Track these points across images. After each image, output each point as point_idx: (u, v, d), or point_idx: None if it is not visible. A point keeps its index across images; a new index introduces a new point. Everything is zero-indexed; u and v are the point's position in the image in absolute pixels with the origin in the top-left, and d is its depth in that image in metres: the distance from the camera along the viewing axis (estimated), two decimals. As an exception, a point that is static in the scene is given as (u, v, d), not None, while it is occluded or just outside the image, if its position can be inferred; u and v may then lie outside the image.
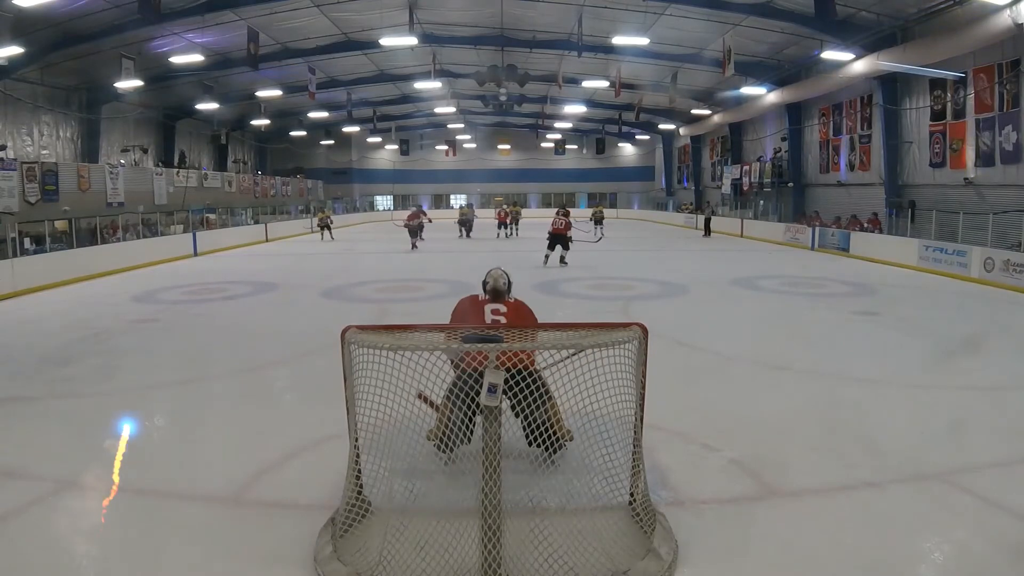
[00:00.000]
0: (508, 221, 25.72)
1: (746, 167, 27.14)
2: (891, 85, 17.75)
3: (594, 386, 3.12)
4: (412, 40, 19.07)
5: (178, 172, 24.52)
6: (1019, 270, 11.80)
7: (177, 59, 18.45)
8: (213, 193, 26.25)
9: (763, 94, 22.88)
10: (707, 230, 25.55)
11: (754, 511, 3.65)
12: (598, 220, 26.36)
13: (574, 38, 19.98)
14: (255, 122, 30.99)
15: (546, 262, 15.26)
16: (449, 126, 39.18)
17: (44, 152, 19.91)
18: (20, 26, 14.63)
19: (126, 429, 5.25)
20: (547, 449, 3.65)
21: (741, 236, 24.87)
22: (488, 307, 4.28)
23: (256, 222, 26.06)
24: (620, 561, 3.03)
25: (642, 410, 3.36)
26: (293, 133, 35.52)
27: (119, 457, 4.56)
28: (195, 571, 3.12)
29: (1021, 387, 6.06)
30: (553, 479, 3.74)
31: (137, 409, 5.68)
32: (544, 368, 3.45)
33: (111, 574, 3.17)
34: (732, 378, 6.41)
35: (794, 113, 23.24)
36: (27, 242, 13.47)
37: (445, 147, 42.25)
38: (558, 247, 15.29)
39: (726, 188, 28.89)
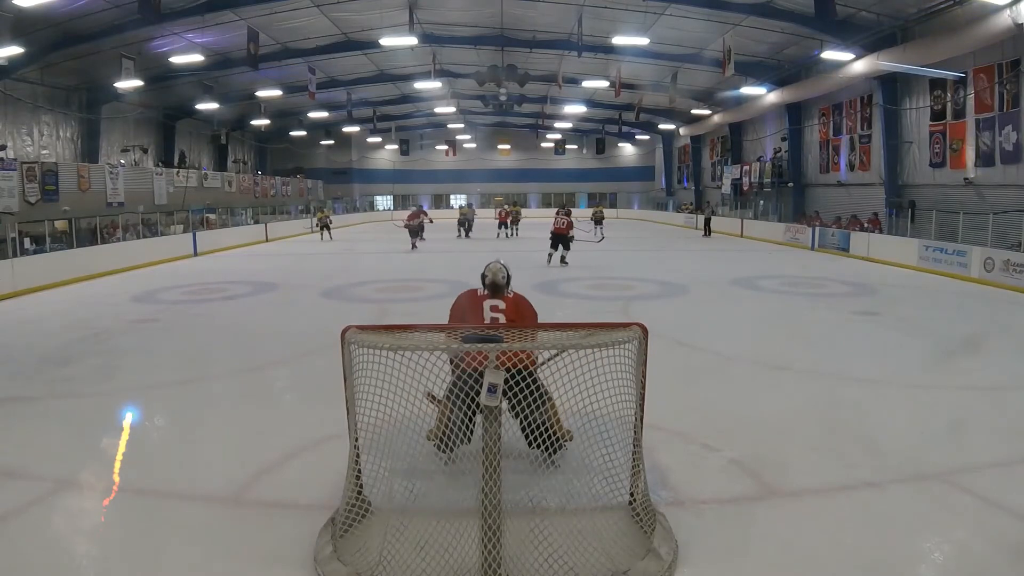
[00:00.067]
0: (508, 221, 25.72)
1: (746, 167, 27.14)
2: (891, 85, 17.75)
3: (594, 386, 3.11)
4: (412, 40, 19.07)
5: (178, 172, 24.52)
6: (1019, 270, 11.80)
7: (177, 59, 18.45)
8: (213, 193, 26.25)
9: (763, 94, 22.88)
10: (707, 230, 25.55)
11: (754, 511, 3.65)
12: (598, 220, 26.37)
13: (574, 38, 19.98)
14: (255, 122, 30.99)
15: (549, 261, 15.30)
16: (449, 126, 39.18)
17: (44, 152, 19.91)
18: (20, 26, 14.63)
19: (126, 429, 5.25)
20: (546, 450, 3.64)
21: (741, 236, 24.87)
22: (487, 303, 4.25)
23: (256, 222, 26.06)
24: (620, 561, 3.03)
25: (642, 410, 3.36)
26: (293, 133, 35.52)
27: (119, 457, 4.56)
28: (195, 571, 3.12)
29: (1021, 387, 6.06)
30: (553, 479, 3.74)
31: (137, 409, 5.69)
32: (537, 367, 3.45)
33: (111, 574, 3.17)
34: (732, 378, 6.41)
35: (794, 113, 23.24)
36: (27, 242, 13.47)
37: (445, 147, 42.26)
38: (560, 246, 15.33)
39: (726, 188, 28.89)
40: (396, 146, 41.83)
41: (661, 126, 34.05)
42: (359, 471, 3.35)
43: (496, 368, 2.94)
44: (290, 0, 17.24)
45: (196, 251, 19.00)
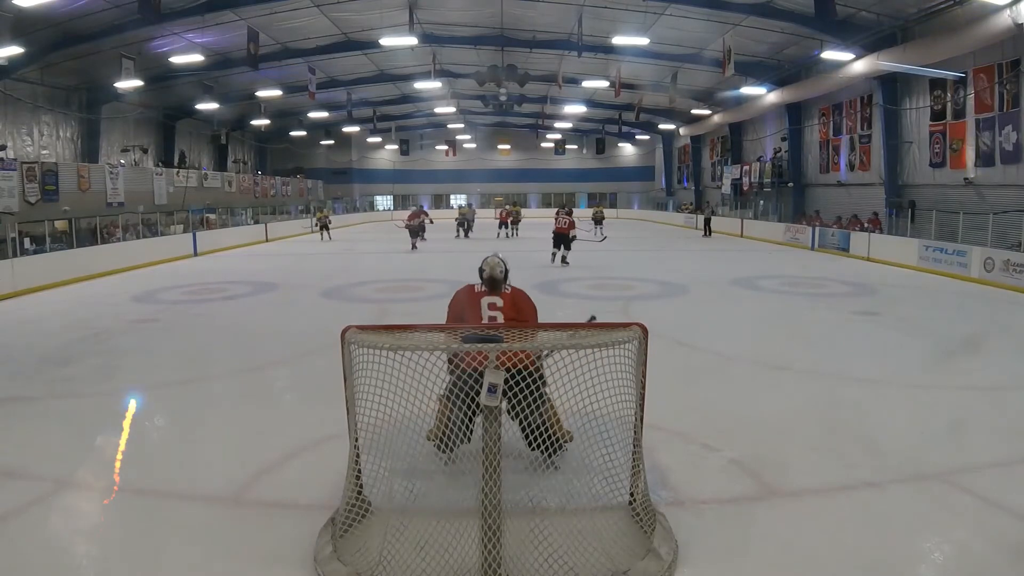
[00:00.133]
0: (509, 221, 25.75)
1: (746, 167, 27.15)
2: (891, 85, 17.75)
3: (594, 386, 3.11)
4: (412, 40, 19.07)
5: (178, 172, 24.52)
6: (1019, 270, 11.80)
7: (177, 59, 18.45)
8: (213, 193, 26.25)
9: (763, 94, 22.88)
10: (707, 230, 25.56)
11: (754, 511, 3.65)
12: (598, 220, 26.41)
13: (574, 38, 19.98)
14: (255, 122, 30.99)
15: (553, 260, 15.32)
16: (449, 126, 39.18)
17: (44, 152, 19.91)
18: (20, 26, 14.63)
19: (126, 429, 5.24)
20: (545, 451, 3.63)
21: (741, 236, 24.87)
22: (484, 301, 4.20)
23: (256, 222, 26.07)
24: (620, 561, 3.03)
25: (642, 410, 3.36)
26: (293, 133, 35.52)
27: (119, 457, 4.56)
28: (195, 571, 3.12)
29: (1021, 387, 6.06)
30: (553, 479, 3.74)
31: (137, 409, 5.68)
32: (543, 359, 3.44)
33: (111, 574, 3.17)
34: (732, 378, 6.41)
35: (794, 113, 23.25)
36: (27, 242, 13.47)
37: (445, 147, 42.26)
38: (562, 246, 15.35)
39: (726, 188, 28.90)
40: (396, 146, 41.83)
41: (661, 126, 34.05)
42: (359, 471, 3.35)
43: (496, 368, 2.94)
44: (290, 0, 17.24)
45: (196, 251, 19.00)
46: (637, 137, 40.97)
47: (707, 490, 3.87)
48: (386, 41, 18.88)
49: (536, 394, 3.17)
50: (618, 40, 18.52)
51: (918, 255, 14.81)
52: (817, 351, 7.47)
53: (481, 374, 2.98)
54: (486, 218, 31.95)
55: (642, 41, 18.03)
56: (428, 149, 43.18)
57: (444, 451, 3.83)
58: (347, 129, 36.25)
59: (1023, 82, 13.78)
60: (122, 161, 22.95)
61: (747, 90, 22.83)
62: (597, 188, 43.75)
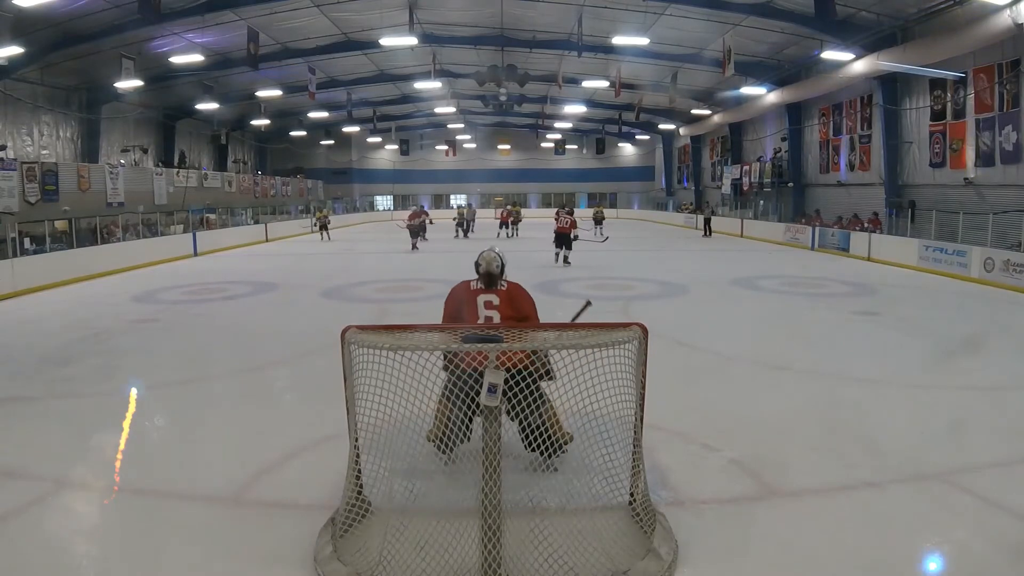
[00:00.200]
0: (510, 221, 25.79)
1: (746, 167, 27.14)
2: (891, 85, 17.75)
3: (594, 386, 3.11)
4: (412, 40, 19.07)
5: (178, 172, 24.52)
6: (1019, 270, 11.80)
7: (177, 59, 18.45)
8: (213, 193, 26.25)
9: (763, 94, 22.88)
10: (707, 230, 25.56)
11: (754, 511, 3.65)
12: (598, 220, 26.42)
13: (574, 38, 19.98)
14: (255, 122, 30.99)
15: (556, 260, 15.32)
16: (449, 126, 39.18)
17: (44, 152, 19.91)
18: (20, 26, 14.62)
19: (126, 429, 5.24)
20: (544, 452, 3.62)
21: (741, 236, 24.87)
22: (481, 299, 4.14)
23: (256, 222, 26.07)
24: (620, 561, 3.03)
25: (642, 410, 3.36)
26: (293, 133, 35.51)
27: (119, 457, 4.56)
28: (195, 571, 3.12)
29: (1021, 387, 6.06)
30: (553, 479, 3.74)
31: (137, 409, 5.68)
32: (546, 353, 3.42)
33: (111, 574, 3.17)
34: (732, 378, 6.41)
35: (794, 113, 23.24)
36: (27, 242, 13.47)
37: (445, 147, 42.25)
38: (563, 246, 15.37)
39: (726, 188, 28.90)
40: (396, 146, 41.82)
41: (661, 126, 34.05)
42: (359, 471, 3.35)
43: (496, 368, 2.94)
44: (290, 0, 17.24)
45: (196, 251, 19.00)
46: (637, 137, 40.97)
47: (707, 490, 3.86)
48: (386, 41, 18.88)
49: (536, 395, 3.17)
50: (618, 40, 18.52)
51: (918, 255, 14.81)
52: (817, 351, 7.47)
53: (480, 373, 2.98)
54: (486, 218, 31.99)
55: (642, 41, 18.03)
56: (428, 149, 43.17)
57: (444, 451, 3.83)
58: (347, 129, 36.24)
59: (1023, 82, 13.78)
60: (122, 161, 22.94)
61: (747, 90, 22.83)
62: (597, 188, 43.75)
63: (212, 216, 23.37)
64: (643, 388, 3.35)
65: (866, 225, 18.43)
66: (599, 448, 3.33)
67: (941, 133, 16.41)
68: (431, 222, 22.95)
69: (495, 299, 4.14)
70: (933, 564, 3.26)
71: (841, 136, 21.08)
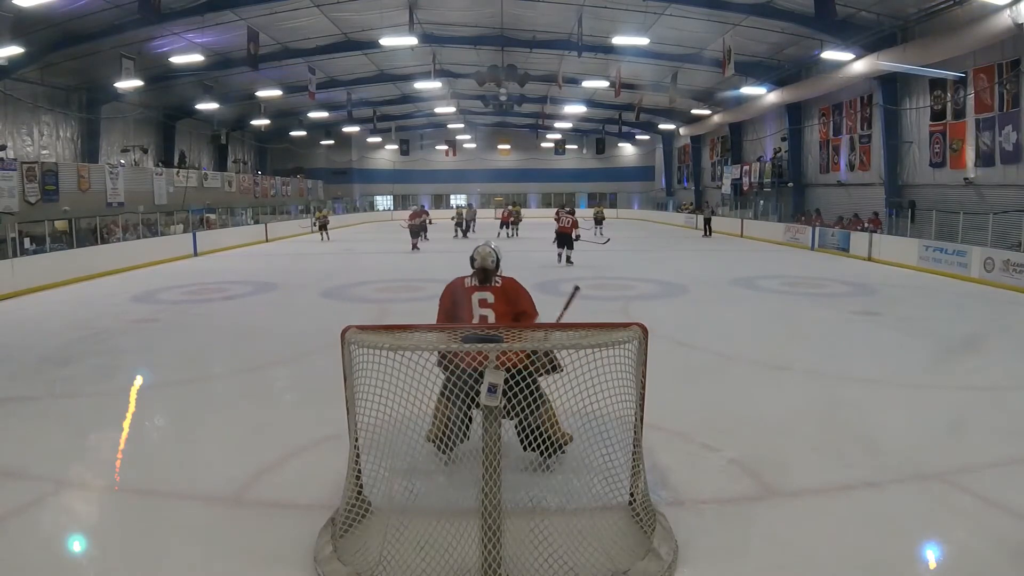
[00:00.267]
0: (511, 221, 25.85)
1: (746, 167, 27.15)
2: (891, 85, 17.75)
3: (594, 386, 3.11)
4: (412, 40, 19.07)
5: (178, 172, 24.52)
6: (1019, 270, 11.80)
7: (177, 59, 18.45)
8: (213, 193, 26.25)
9: (763, 94, 22.88)
10: (707, 230, 25.56)
11: (754, 511, 3.65)
12: (598, 220, 26.45)
13: (574, 38, 19.98)
14: (255, 122, 30.99)
15: (560, 261, 15.32)
16: (449, 126, 39.18)
17: (44, 152, 19.91)
18: (20, 26, 14.63)
19: (126, 429, 5.24)
20: (543, 452, 3.62)
21: (741, 236, 24.87)
22: (475, 297, 4.11)
23: (256, 222, 26.08)
24: (620, 561, 3.03)
25: (642, 410, 3.36)
26: (293, 133, 35.51)
27: (119, 457, 4.56)
28: (195, 571, 3.12)
29: (1021, 387, 6.07)
30: (553, 479, 3.74)
31: (137, 409, 5.68)
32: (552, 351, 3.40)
33: (111, 574, 3.17)
34: (732, 378, 6.41)
35: (794, 113, 23.24)
36: (27, 242, 13.47)
37: (445, 147, 42.26)
38: (565, 246, 15.38)
39: (726, 188, 28.90)
40: (396, 146, 41.82)
41: (661, 126, 34.05)
42: (359, 471, 3.35)
43: (496, 368, 2.94)
44: (290, 0, 17.24)
45: (196, 251, 19.00)
46: (637, 137, 40.97)
47: (707, 490, 3.86)
48: (386, 41, 18.88)
49: (534, 395, 3.15)
50: (618, 40, 18.53)
51: (918, 255, 14.81)
52: (817, 351, 7.47)
53: (479, 373, 2.98)
54: (486, 218, 32.02)
55: (642, 41, 18.03)
56: (428, 149, 43.17)
57: (443, 451, 3.83)
58: (347, 129, 36.25)
59: (1023, 82, 13.78)
60: (122, 161, 22.94)
61: (747, 90, 22.83)
62: (597, 188, 43.75)
63: (212, 216, 23.37)
64: (643, 388, 3.34)
65: (866, 225, 18.43)
66: (599, 448, 3.33)
67: (941, 133, 16.41)
68: (431, 222, 22.96)
69: (490, 297, 4.11)
70: (933, 564, 3.26)
71: (841, 136, 21.08)
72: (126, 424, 5.32)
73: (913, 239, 15.40)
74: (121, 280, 13.90)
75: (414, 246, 20.07)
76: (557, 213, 18.17)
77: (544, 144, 42.92)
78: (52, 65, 18.09)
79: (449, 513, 3.19)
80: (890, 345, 7.71)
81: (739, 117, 26.86)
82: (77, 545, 3.44)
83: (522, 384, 3.09)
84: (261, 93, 25.48)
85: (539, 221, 31.44)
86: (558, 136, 41.75)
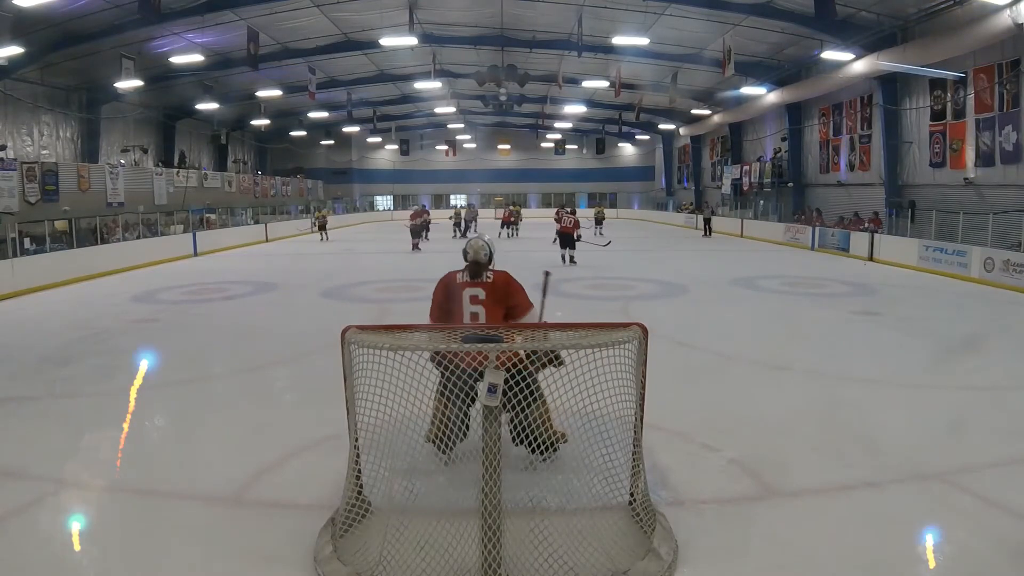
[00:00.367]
0: (511, 221, 25.93)
1: (746, 167, 27.14)
2: (891, 85, 17.75)
3: (594, 386, 3.11)
4: (412, 40, 19.08)
5: (178, 172, 24.53)
6: (1019, 270, 11.79)
7: (177, 59, 18.46)
8: (213, 193, 26.25)
9: (763, 94, 22.88)
10: (707, 230, 25.57)
11: (754, 511, 3.65)
12: (598, 220, 26.49)
13: (574, 38, 19.98)
14: (255, 122, 30.99)
15: (564, 261, 15.33)
16: (449, 126, 39.18)
17: (44, 152, 19.91)
18: (20, 26, 14.63)
19: (126, 429, 5.24)
20: (533, 450, 3.60)
21: (741, 236, 24.87)
22: (467, 293, 4.07)
23: (256, 222, 26.08)
24: (620, 561, 3.03)
25: (642, 410, 3.36)
26: (293, 133, 35.52)
27: (119, 457, 4.56)
28: (195, 571, 3.12)
29: (1021, 387, 6.06)
30: (553, 479, 3.74)
31: (137, 409, 5.68)
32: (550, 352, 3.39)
33: (111, 574, 3.17)
34: (732, 378, 6.41)
35: (794, 113, 23.24)
36: (27, 242, 13.47)
37: (445, 147, 42.26)
38: (567, 246, 15.40)
39: (726, 188, 28.90)
40: (396, 146, 41.83)
41: (661, 126, 34.05)
42: (359, 471, 3.35)
43: (496, 368, 2.93)
44: (290, 0, 17.24)
45: (196, 251, 19.00)
46: (637, 137, 40.97)
47: (707, 490, 3.86)
48: (386, 41, 18.88)
49: (527, 392, 3.12)
50: (618, 40, 18.53)
51: (918, 255, 14.81)
52: (817, 351, 7.47)
53: (478, 372, 2.97)
54: (486, 218, 32.05)
55: (642, 41, 18.03)
56: (428, 149, 43.17)
57: (443, 451, 3.83)
58: (347, 129, 36.24)
59: (1023, 82, 13.78)
60: (122, 161, 22.94)
61: (747, 90, 22.83)
62: (597, 188, 43.75)
63: (212, 216, 23.36)
64: (643, 388, 3.34)
65: (867, 225, 18.43)
66: (599, 448, 3.32)
67: (941, 133, 16.41)
68: (431, 222, 23.07)
69: (481, 293, 4.08)
70: (933, 564, 3.26)
71: (841, 136, 21.08)
72: (126, 424, 5.32)
73: (913, 239, 15.40)
74: (121, 280, 13.90)
75: (415, 246, 20.05)
76: (557, 213, 18.17)
77: (544, 144, 42.92)
78: (52, 65, 18.09)
79: (449, 513, 3.19)
80: (890, 345, 7.71)
81: (739, 117, 26.86)
82: (77, 545, 3.44)
83: (516, 379, 3.07)
84: (261, 93, 25.48)
85: (539, 221, 31.45)
86: (558, 136, 41.76)
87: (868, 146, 19.65)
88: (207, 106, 24.60)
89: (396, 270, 15.29)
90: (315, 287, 12.47)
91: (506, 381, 3.00)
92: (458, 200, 42.32)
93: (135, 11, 14.98)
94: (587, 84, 24.67)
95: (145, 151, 24.99)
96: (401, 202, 42.30)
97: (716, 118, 28.13)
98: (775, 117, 24.96)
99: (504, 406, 3.26)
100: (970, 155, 15.45)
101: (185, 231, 20.28)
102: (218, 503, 3.78)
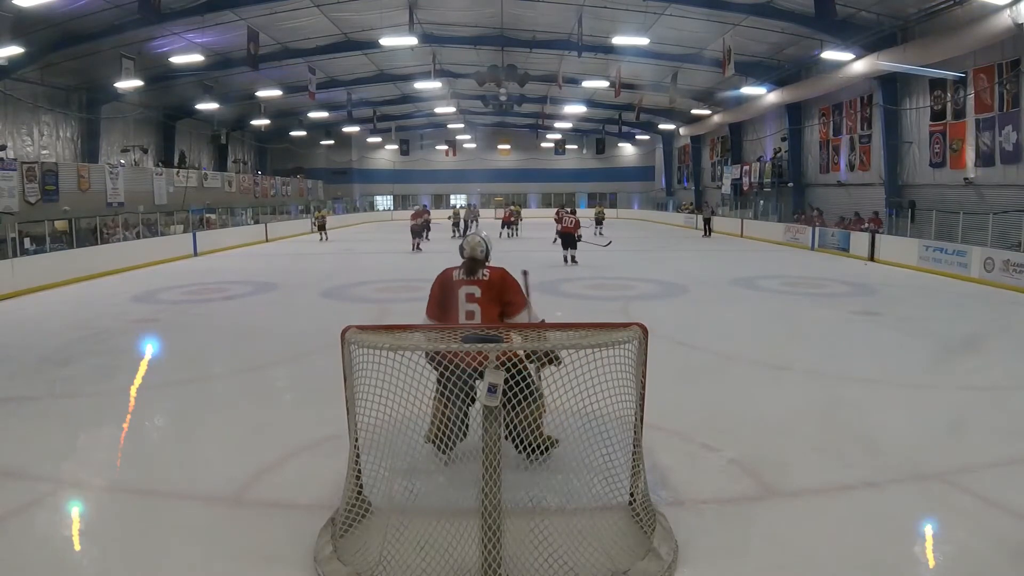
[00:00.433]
0: (511, 221, 25.97)
1: (746, 167, 27.15)
2: (891, 85, 17.75)
3: (594, 386, 3.11)
4: (412, 40, 19.08)
5: (178, 172, 24.53)
6: (1019, 270, 11.79)
7: (177, 59, 18.47)
8: (213, 193, 26.25)
9: (763, 94, 22.88)
10: (707, 230, 25.58)
11: (754, 511, 3.65)
12: (598, 220, 26.51)
13: (574, 38, 19.98)
14: (255, 122, 30.99)
15: (566, 261, 15.33)
16: (449, 126, 39.19)
17: (44, 152, 19.91)
18: (20, 26, 14.63)
19: (126, 429, 5.24)
20: (521, 451, 3.57)
21: (741, 236, 24.87)
22: (463, 291, 4.06)
23: (256, 222, 26.08)
24: (620, 561, 3.03)
25: (642, 410, 3.35)
26: (293, 133, 35.51)
27: (119, 457, 4.56)
28: (195, 571, 3.12)
29: (1021, 387, 6.06)
30: (553, 479, 3.74)
31: (137, 409, 5.68)
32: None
33: (111, 574, 3.17)
34: (732, 378, 6.41)
35: (794, 113, 23.24)
36: (27, 242, 13.46)
37: (445, 147, 42.27)
38: (569, 246, 15.40)
39: (726, 188, 28.90)
40: (396, 146, 41.83)
41: (661, 126, 34.05)
42: (359, 471, 3.35)
43: (496, 368, 2.93)
44: (290, 0, 17.24)
45: (196, 251, 18.99)
46: (637, 137, 40.97)
47: (707, 490, 3.86)
48: (386, 41, 18.88)
49: (522, 393, 3.09)
50: (618, 40, 18.53)
51: (918, 255, 14.81)
52: (817, 351, 7.47)
53: (479, 372, 2.97)
54: (487, 218, 32.07)
55: (642, 41, 18.04)
56: (428, 149, 43.18)
57: (443, 451, 3.83)
58: (347, 129, 36.24)
59: (1023, 82, 13.78)
60: (122, 161, 22.95)
61: (747, 90, 22.83)
62: (597, 188, 43.75)
63: (212, 216, 23.36)
64: (643, 388, 3.34)
65: (867, 225, 18.43)
66: (599, 448, 3.32)
67: (941, 133, 16.41)
68: (431, 221, 23.11)
69: (476, 291, 4.06)
70: (933, 564, 3.26)
71: (841, 136, 21.08)
72: (126, 424, 5.33)
73: (913, 239, 15.40)
74: (121, 280, 13.90)
75: (416, 246, 20.03)
76: (558, 213, 18.17)
77: (544, 144, 42.92)
78: (52, 65, 18.09)
79: (449, 513, 3.19)
80: (890, 345, 7.71)
81: (739, 117, 26.86)
82: (77, 545, 3.44)
83: (513, 378, 3.06)
84: (261, 93, 25.48)
85: (539, 221, 31.46)
86: (558, 136, 41.76)
87: (868, 146, 19.65)
88: (207, 106, 24.60)
89: (396, 270, 15.29)
90: (315, 287, 12.48)
91: (505, 380, 3.00)
92: (458, 200, 42.34)
93: (135, 11, 14.98)
94: (587, 84, 24.67)
95: (145, 151, 25.00)
96: (401, 202, 42.32)
97: (716, 118, 28.13)
98: (775, 117, 24.96)
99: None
100: (970, 155, 15.45)
101: (185, 231, 20.28)
102: (218, 503, 3.78)
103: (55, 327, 8.99)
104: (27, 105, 19.06)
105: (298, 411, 5.54)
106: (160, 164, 25.32)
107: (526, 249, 18.59)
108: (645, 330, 3.27)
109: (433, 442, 3.80)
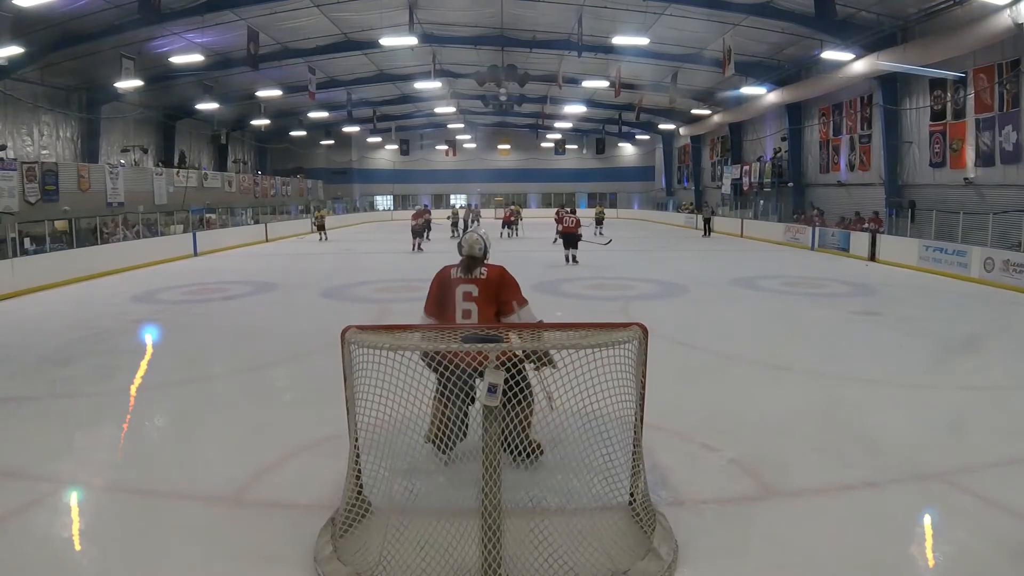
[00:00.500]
0: (512, 221, 25.99)
1: (746, 167, 27.15)
2: (891, 85, 17.75)
3: (594, 386, 3.11)
4: (412, 40, 19.08)
5: (178, 172, 24.53)
6: (1019, 270, 11.79)
7: (177, 59, 18.46)
8: (213, 193, 26.25)
9: (763, 94, 22.88)
10: (707, 230, 25.58)
11: (754, 511, 3.65)
12: (599, 220, 26.52)
13: (574, 38, 19.98)
14: (255, 122, 31.00)
15: (568, 261, 15.33)
16: (449, 126, 39.19)
17: (44, 152, 19.91)
18: (20, 26, 14.63)
19: (126, 429, 5.24)
20: (510, 455, 3.56)
21: (741, 236, 24.87)
22: (460, 289, 4.04)
23: (256, 222, 26.09)
24: (620, 561, 3.03)
25: (642, 410, 3.35)
26: (293, 133, 35.52)
27: (119, 457, 4.56)
28: (195, 571, 3.12)
29: (1021, 387, 6.06)
30: (553, 479, 3.74)
31: (137, 409, 5.68)
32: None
33: (111, 574, 3.17)
34: (732, 378, 6.41)
35: (794, 113, 23.25)
36: (27, 242, 13.47)
37: (445, 147, 42.27)
38: (570, 246, 15.41)
39: (726, 188, 28.90)
40: (396, 146, 41.83)
41: (661, 126, 34.05)
42: (359, 471, 3.35)
43: (496, 368, 2.93)
44: (290, 0, 17.25)
45: (196, 251, 18.99)
46: (637, 137, 40.97)
47: (707, 490, 3.86)
48: (386, 41, 18.88)
49: (513, 394, 3.08)
50: (618, 40, 18.53)
51: (918, 255, 14.81)
52: (817, 351, 7.47)
53: (478, 372, 2.97)
54: (487, 218, 32.10)
55: (642, 41, 18.04)
56: (428, 149, 43.18)
57: (443, 451, 3.82)
58: (347, 129, 36.25)
59: (1023, 82, 13.78)
60: (122, 161, 22.94)
61: (747, 90, 22.83)
62: (597, 188, 43.75)
63: (212, 216, 23.36)
64: (643, 388, 3.34)
65: (867, 225, 18.42)
66: (599, 448, 3.32)
67: (941, 133, 16.41)
68: (431, 221, 23.16)
69: (474, 290, 4.04)
70: (933, 564, 3.26)
71: (841, 136, 21.08)
72: (126, 424, 5.33)
73: (913, 239, 15.40)
74: (121, 280, 13.90)
75: (417, 246, 20.00)
76: (558, 213, 18.18)
77: (544, 144, 42.93)
78: (52, 65, 18.09)
79: (449, 513, 3.19)
80: (890, 345, 7.71)
81: (739, 117, 26.86)
82: (77, 545, 3.44)
83: (507, 378, 3.04)
84: (261, 93, 25.49)
85: (539, 221, 31.46)
86: (558, 136, 41.76)
87: (868, 146, 19.65)
88: (207, 106, 24.60)
89: (396, 270, 15.29)
90: (315, 287, 12.48)
91: (504, 380, 3.00)
92: (457, 200, 42.35)
93: (135, 11, 14.98)
94: (587, 84, 24.68)
95: (145, 151, 25.00)
96: (401, 202, 42.32)
97: (716, 118, 28.14)
98: (775, 117, 24.96)
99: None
100: (970, 155, 15.45)
101: (185, 231, 20.28)
102: (218, 503, 3.78)
103: (55, 327, 8.99)
104: (27, 105, 19.06)
105: (298, 411, 5.53)
106: (160, 164, 25.33)
107: (526, 249, 18.59)
108: (645, 330, 3.27)
109: (433, 442, 3.80)
